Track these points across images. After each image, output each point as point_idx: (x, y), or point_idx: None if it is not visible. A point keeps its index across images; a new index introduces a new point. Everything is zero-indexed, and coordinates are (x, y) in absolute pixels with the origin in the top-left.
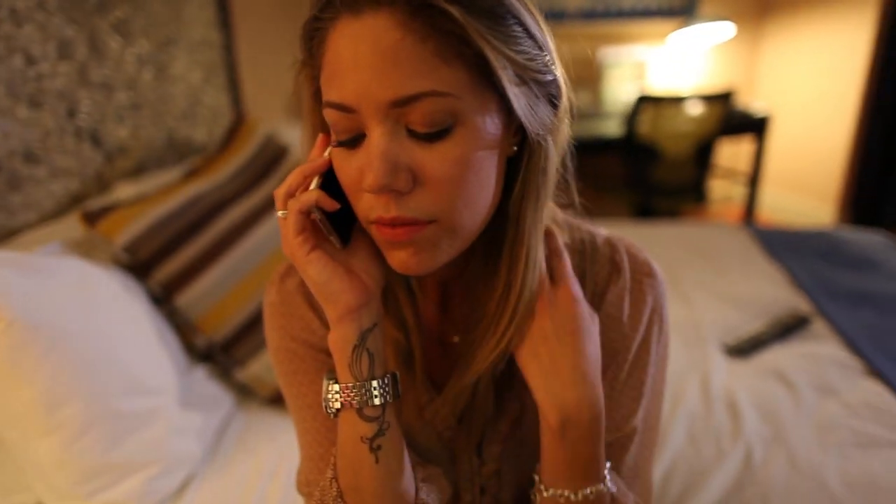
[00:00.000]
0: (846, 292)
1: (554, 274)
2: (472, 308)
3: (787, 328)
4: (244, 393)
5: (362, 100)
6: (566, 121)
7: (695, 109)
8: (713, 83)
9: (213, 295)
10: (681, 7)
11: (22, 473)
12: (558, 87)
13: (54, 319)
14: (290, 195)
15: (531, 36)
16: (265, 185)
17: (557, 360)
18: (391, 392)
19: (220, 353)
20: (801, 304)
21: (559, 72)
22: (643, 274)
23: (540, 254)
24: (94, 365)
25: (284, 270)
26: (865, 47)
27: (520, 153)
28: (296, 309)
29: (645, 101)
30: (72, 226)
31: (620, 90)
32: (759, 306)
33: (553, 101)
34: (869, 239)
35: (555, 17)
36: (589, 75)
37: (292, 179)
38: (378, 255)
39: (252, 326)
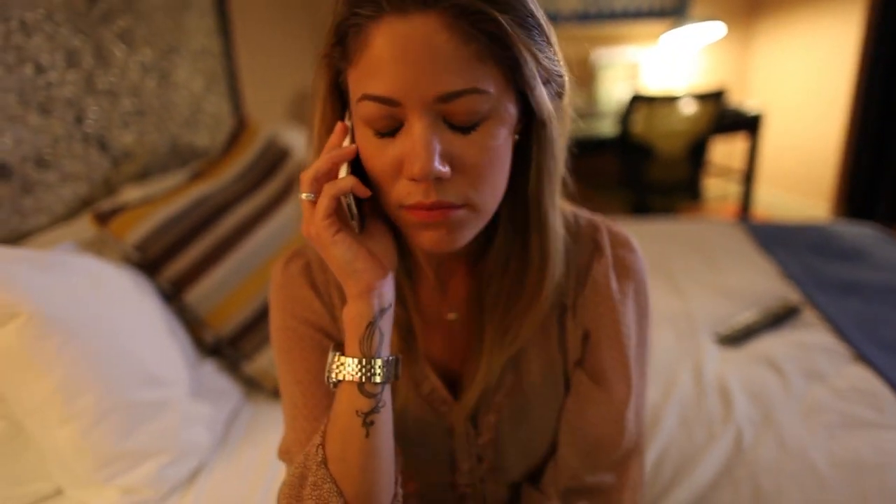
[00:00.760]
0: (835, 282)
1: None
2: (487, 284)
3: (778, 318)
4: (251, 386)
5: (409, 94)
6: (569, 110)
7: (688, 108)
8: (705, 82)
9: (221, 291)
10: (672, 8)
11: (41, 462)
12: (564, 82)
13: (71, 313)
14: (318, 179)
15: (550, 42)
16: (268, 186)
17: None
18: (393, 373)
19: (228, 347)
20: (791, 294)
21: (564, 68)
22: (624, 249)
23: (560, 230)
24: (108, 357)
25: (289, 255)
26: (854, 45)
27: (527, 141)
28: (298, 290)
29: (638, 100)
30: (82, 228)
31: (614, 90)
32: (751, 297)
33: (560, 93)
34: (859, 231)
35: (549, 19)
36: (583, 76)
37: (322, 165)
38: (391, 240)
39: (258, 321)
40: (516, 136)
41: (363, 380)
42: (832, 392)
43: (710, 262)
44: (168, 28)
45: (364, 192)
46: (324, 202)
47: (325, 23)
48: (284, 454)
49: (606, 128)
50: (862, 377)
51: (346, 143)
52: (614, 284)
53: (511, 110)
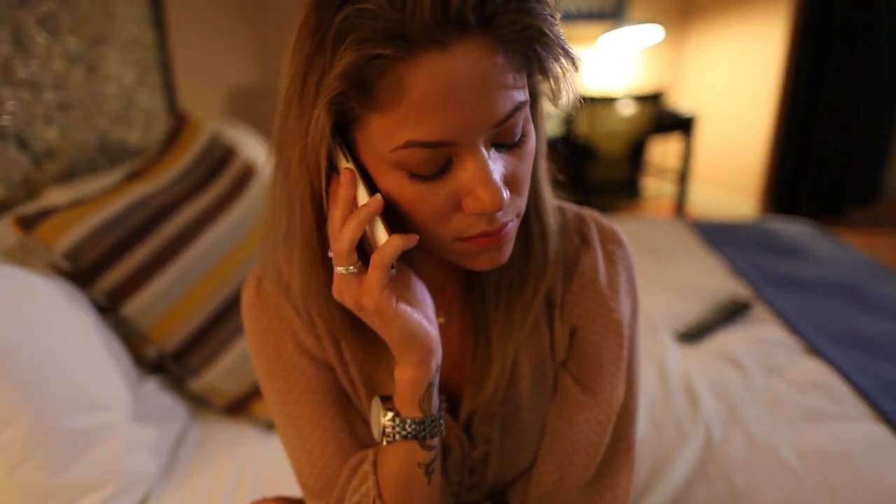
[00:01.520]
0: (780, 278)
1: None
2: (487, 277)
3: (731, 313)
4: (198, 403)
5: (464, 131)
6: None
7: (627, 109)
8: (643, 84)
9: (163, 302)
10: (610, 10)
11: None
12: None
13: None
14: (353, 248)
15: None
16: (214, 187)
17: None
18: (444, 420)
19: (173, 362)
20: (741, 290)
21: None
22: (612, 243)
23: (554, 205)
24: (39, 380)
25: (258, 273)
26: (779, 50)
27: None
28: (277, 312)
29: (582, 101)
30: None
31: None
32: (703, 294)
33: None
34: (795, 229)
35: None
36: None
37: (353, 233)
38: (419, 281)
39: (205, 334)
40: None
41: (426, 437)
42: (791, 386)
43: (661, 259)
44: (96, 15)
45: (413, 243)
46: (377, 275)
47: (307, 57)
48: (310, 492)
49: (550, 129)
50: (816, 370)
51: (364, 194)
52: (604, 278)
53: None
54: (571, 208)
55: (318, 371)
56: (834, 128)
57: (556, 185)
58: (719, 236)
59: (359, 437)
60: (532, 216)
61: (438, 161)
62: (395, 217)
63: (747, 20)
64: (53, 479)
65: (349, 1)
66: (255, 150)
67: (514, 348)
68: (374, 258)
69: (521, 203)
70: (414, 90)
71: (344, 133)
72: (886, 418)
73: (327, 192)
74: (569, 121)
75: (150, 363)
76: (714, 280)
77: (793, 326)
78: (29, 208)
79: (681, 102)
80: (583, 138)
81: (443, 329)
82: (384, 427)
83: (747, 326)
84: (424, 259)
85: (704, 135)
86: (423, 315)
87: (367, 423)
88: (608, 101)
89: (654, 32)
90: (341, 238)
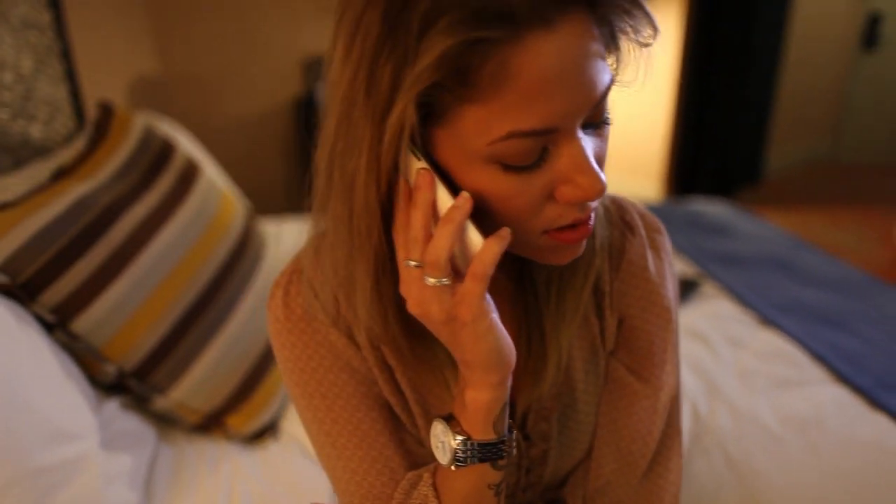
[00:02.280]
0: (718, 256)
1: None
2: (539, 268)
3: (683, 291)
4: (165, 423)
5: (569, 115)
6: None
7: None
8: None
9: (119, 315)
10: None
11: None
12: None
13: None
14: (450, 257)
15: None
16: (158, 184)
17: None
18: (515, 438)
19: (135, 380)
20: (685, 269)
21: None
22: (655, 231)
23: None
24: (4, 415)
25: (283, 282)
26: (674, 37)
27: None
28: (311, 324)
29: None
30: None
31: None
32: None
33: None
34: (716, 209)
35: None
36: None
37: (450, 240)
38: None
39: (169, 346)
40: None
41: (499, 458)
42: (756, 357)
43: None
44: None
45: (507, 243)
46: (477, 287)
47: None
48: None
49: None
50: (774, 341)
51: (445, 194)
52: (652, 266)
53: None
54: (607, 195)
55: (358, 386)
56: (722, 117)
57: None
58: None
59: (407, 452)
60: None
61: (537, 149)
62: (476, 218)
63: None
64: None
65: None
66: (185, 143)
67: (569, 340)
68: (475, 268)
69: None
70: (521, 75)
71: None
72: (846, 380)
73: (391, 197)
74: None
75: (108, 383)
76: None
77: (743, 300)
78: None
79: None
80: None
81: None
82: (455, 451)
83: (701, 303)
84: None
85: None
86: (504, 330)
87: (413, 436)
88: None
89: None
90: (437, 248)
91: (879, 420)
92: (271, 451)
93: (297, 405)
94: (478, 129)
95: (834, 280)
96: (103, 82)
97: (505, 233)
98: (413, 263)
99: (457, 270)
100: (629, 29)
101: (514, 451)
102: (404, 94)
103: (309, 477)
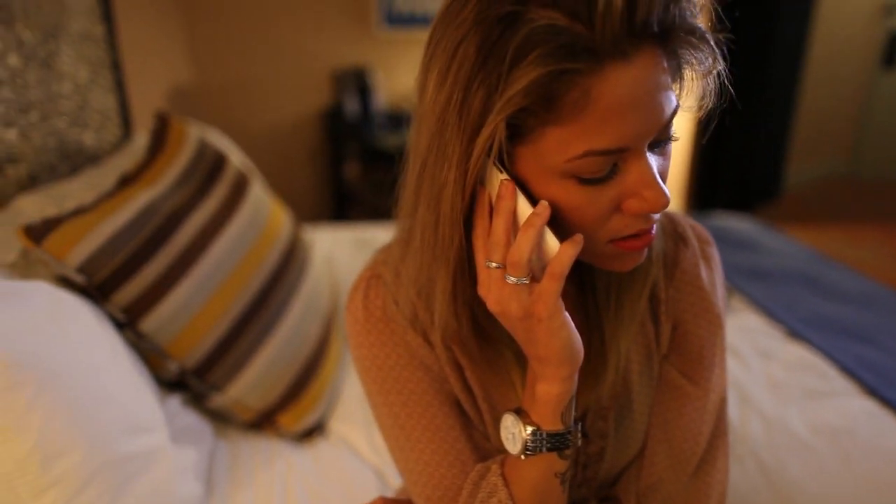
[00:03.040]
0: (744, 270)
1: None
2: (598, 273)
3: None
4: (220, 419)
5: (639, 137)
6: None
7: None
8: None
9: (182, 316)
10: None
11: None
12: None
13: (39, 355)
14: (530, 259)
15: None
16: (215, 193)
17: None
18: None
19: (194, 378)
20: None
21: None
22: (706, 243)
23: None
24: (88, 405)
25: (362, 284)
26: None
27: None
28: (388, 325)
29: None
30: None
31: None
32: None
33: None
34: (741, 224)
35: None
36: None
37: (530, 243)
38: None
39: (226, 347)
40: None
41: (566, 448)
42: (784, 368)
43: None
44: (48, 5)
45: (580, 247)
46: (554, 286)
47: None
48: (428, 501)
49: None
50: (802, 353)
51: (525, 204)
52: (704, 275)
53: None
54: None
55: (432, 383)
56: (741, 132)
57: None
58: None
59: (476, 446)
60: None
61: (608, 166)
62: (551, 225)
63: None
64: None
65: (520, 18)
66: (234, 153)
67: (626, 344)
68: (553, 268)
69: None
70: (600, 101)
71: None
72: (874, 393)
73: (472, 207)
74: None
75: (170, 380)
76: None
77: (770, 314)
78: (22, 216)
79: None
80: None
81: None
82: (525, 441)
83: (730, 316)
84: None
85: None
86: (574, 327)
87: (480, 431)
88: None
89: None
90: (519, 249)
91: None
92: (321, 449)
93: (373, 401)
94: (559, 148)
95: (858, 295)
96: (146, 92)
97: (579, 238)
98: (494, 265)
99: (531, 273)
100: (694, 60)
101: (580, 441)
102: (495, 115)
103: (358, 475)
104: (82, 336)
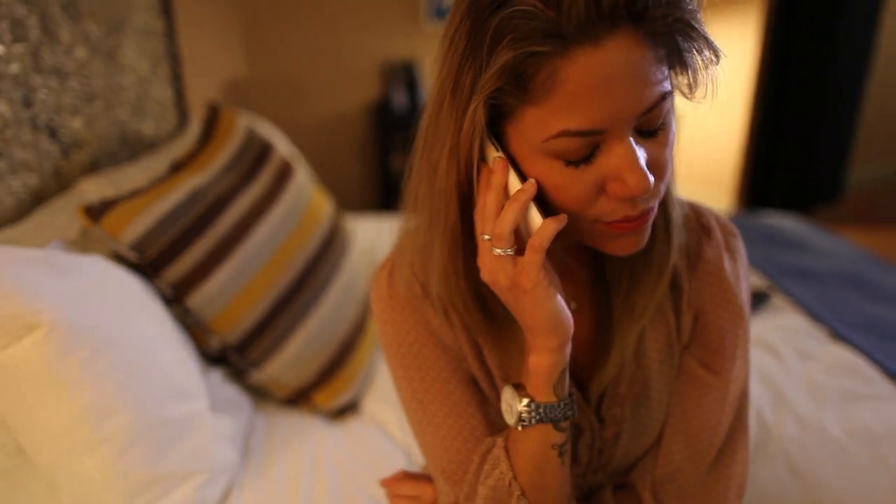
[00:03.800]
0: (791, 270)
1: None
2: (612, 262)
3: (753, 303)
4: (259, 394)
5: (614, 120)
6: None
7: None
8: None
9: (225, 294)
10: None
11: (49, 496)
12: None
13: (93, 322)
14: (513, 231)
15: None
16: (260, 179)
17: None
18: (576, 401)
19: (235, 354)
20: (756, 281)
21: None
22: (731, 235)
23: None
24: (137, 370)
25: (387, 265)
26: (752, 47)
27: None
28: (416, 307)
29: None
30: (40, 227)
31: None
32: None
33: None
34: (791, 223)
35: None
36: None
37: (514, 216)
38: (551, 267)
39: (266, 326)
40: None
41: (560, 420)
42: (824, 369)
43: None
44: (114, 1)
45: (563, 224)
46: (537, 258)
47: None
48: (443, 474)
49: None
50: (845, 355)
51: (516, 180)
52: (727, 266)
53: None
54: (682, 198)
55: (450, 360)
56: (801, 130)
57: None
58: None
59: (491, 422)
60: (657, 207)
61: (587, 148)
62: (541, 205)
63: (720, 17)
64: (153, 468)
65: (504, 4)
66: (282, 143)
67: (635, 334)
68: (533, 241)
69: (663, 189)
70: (568, 83)
71: (493, 126)
72: None
73: (476, 182)
74: None
75: (212, 355)
76: None
77: (814, 314)
78: (84, 198)
79: None
80: None
81: (574, 314)
82: (520, 413)
83: (770, 315)
84: (555, 246)
85: (682, 131)
86: (562, 300)
87: (497, 409)
88: None
89: None
90: (502, 221)
91: None
92: (353, 427)
93: (395, 375)
94: (535, 127)
95: None
96: (202, 84)
97: (562, 217)
98: (486, 237)
99: (516, 245)
100: (693, 49)
101: (574, 412)
102: (477, 96)
103: (386, 454)
104: (133, 307)
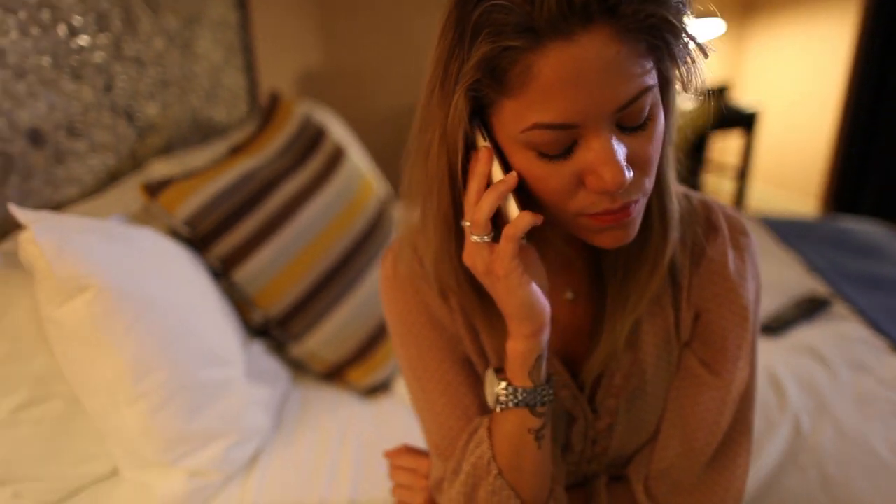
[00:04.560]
0: (858, 277)
1: None
2: (606, 254)
3: (810, 309)
4: (298, 368)
5: (587, 115)
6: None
7: (688, 104)
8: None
9: (270, 271)
10: None
11: (99, 442)
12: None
13: (140, 287)
14: (489, 219)
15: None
16: (310, 164)
17: None
18: (553, 389)
19: (277, 328)
20: (818, 287)
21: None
22: (740, 233)
23: (677, 190)
24: (176, 334)
25: (395, 249)
26: (847, 46)
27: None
28: (417, 289)
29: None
30: (112, 201)
31: None
32: (781, 289)
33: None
34: (868, 228)
35: None
36: None
37: (490, 205)
38: (538, 258)
39: (307, 302)
40: None
41: (536, 405)
42: (879, 382)
43: None
44: None
45: (538, 222)
46: (510, 247)
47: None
48: (436, 449)
49: None
50: None
51: (499, 170)
52: (732, 265)
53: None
54: (696, 196)
55: (447, 342)
56: None
57: None
58: (794, 234)
59: (483, 403)
60: (654, 200)
61: (564, 141)
62: (524, 195)
63: (814, 14)
64: (187, 425)
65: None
66: (337, 130)
67: (627, 325)
68: (507, 230)
69: (648, 184)
70: (541, 77)
71: (482, 115)
72: None
73: (466, 169)
74: None
75: (255, 328)
76: (790, 276)
77: (875, 324)
78: (152, 177)
79: (742, 98)
80: None
81: (571, 304)
82: (498, 395)
83: (828, 323)
84: (554, 236)
85: (765, 131)
86: (539, 289)
87: None
88: None
89: (715, 26)
90: (479, 209)
91: None
92: (383, 405)
93: (396, 353)
94: (512, 118)
95: None
96: (276, 74)
97: (539, 216)
98: (467, 224)
99: (492, 234)
100: (663, 45)
101: (551, 399)
102: (459, 87)
103: (412, 433)
104: (178, 278)
